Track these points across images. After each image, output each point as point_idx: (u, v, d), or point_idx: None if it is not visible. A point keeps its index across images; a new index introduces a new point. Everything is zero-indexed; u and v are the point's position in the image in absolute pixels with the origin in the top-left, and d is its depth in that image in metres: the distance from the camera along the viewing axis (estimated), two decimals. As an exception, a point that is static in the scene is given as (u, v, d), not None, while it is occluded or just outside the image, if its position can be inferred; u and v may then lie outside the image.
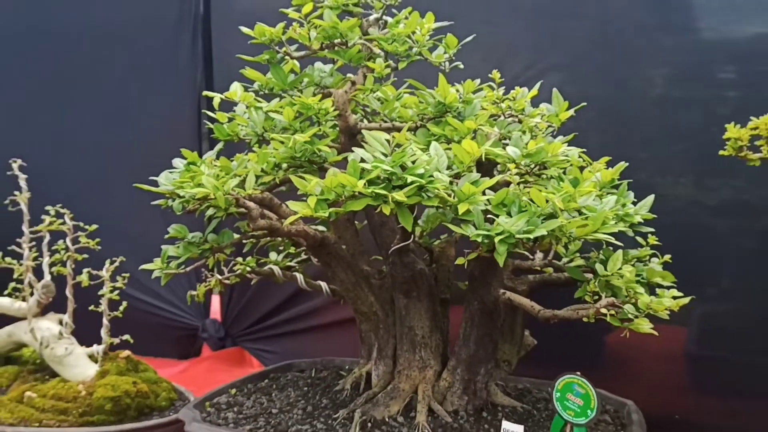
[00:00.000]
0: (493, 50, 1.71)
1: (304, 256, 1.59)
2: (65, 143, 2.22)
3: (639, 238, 1.27)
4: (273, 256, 1.58)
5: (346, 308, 1.88)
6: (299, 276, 1.48)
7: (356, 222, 1.44)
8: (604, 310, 1.06)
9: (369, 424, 1.22)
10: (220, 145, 1.29)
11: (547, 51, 1.75)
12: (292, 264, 1.57)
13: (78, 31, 2.24)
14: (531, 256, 1.45)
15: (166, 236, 1.26)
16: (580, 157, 1.26)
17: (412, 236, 1.19)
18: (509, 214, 1.05)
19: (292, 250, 1.59)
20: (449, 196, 1.04)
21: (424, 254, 1.41)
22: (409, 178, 1.02)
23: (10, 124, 2.27)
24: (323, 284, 1.49)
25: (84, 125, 2.22)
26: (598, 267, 1.14)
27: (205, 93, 1.30)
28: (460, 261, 1.09)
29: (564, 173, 1.17)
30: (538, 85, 1.31)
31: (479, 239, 1.01)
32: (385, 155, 1.08)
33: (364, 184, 1.02)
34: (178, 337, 2.25)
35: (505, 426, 1.08)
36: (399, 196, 1.01)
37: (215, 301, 2.32)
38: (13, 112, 2.28)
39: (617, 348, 1.74)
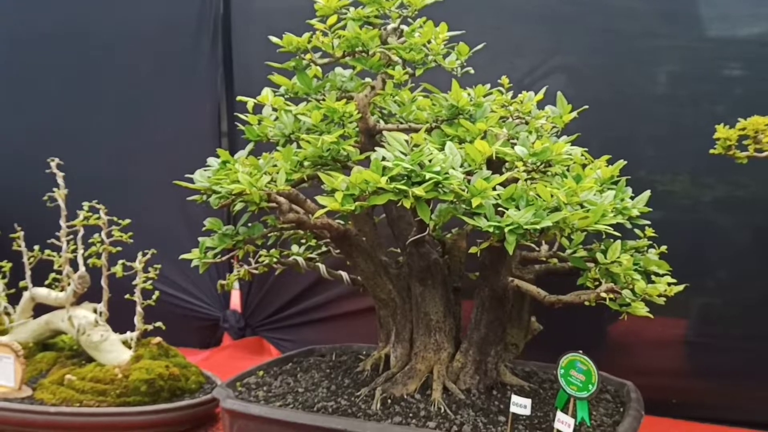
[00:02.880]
0: (502, 53, 1.83)
1: (324, 249, 1.71)
2: (90, 144, 2.35)
3: (637, 231, 1.40)
4: (295, 248, 1.70)
5: (361, 299, 2.01)
6: (322, 266, 1.59)
7: (374, 216, 1.56)
8: (604, 295, 1.18)
9: (389, 401, 1.33)
10: (251, 146, 1.41)
11: (552, 53, 1.87)
12: (313, 256, 1.69)
13: (102, 34, 2.36)
14: (537, 248, 1.60)
15: (204, 228, 1.37)
16: (582, 155, 1.38)
17: (428, 229, 1.31)
18: (518, 208, 1.15)
19: (312, 242, 1.70)
20: (463, 191, 1.16)
21: (437, 246, 1.53)
22: (427, 175, 1.14)
23: (37, 125, 2.41)
24: (344, 274, 1.61)
25: (108, 127, 2.35)
26: (599, 256, 1.25)
27: (239, 98, 1.41)
28: (473, 249, 1.21)
29: (567, 170, 1.29)
30: (543, 90, 1.43)
31: (491, 230, 1.12)
32: (405, 154, 1.19)
33: (387, 181, 1.14)
34: (200, 328, 2.38)
35: (514, 399, 1.19)
36: (418, 191, 1.12)
37: (235, 294, 2.44)
38: (39, 113, 2.41)
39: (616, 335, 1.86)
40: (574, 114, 1.40)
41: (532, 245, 1.59)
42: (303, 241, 1.71)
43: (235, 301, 2.43)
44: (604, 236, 1.21)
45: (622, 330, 1.85)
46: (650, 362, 1.82)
